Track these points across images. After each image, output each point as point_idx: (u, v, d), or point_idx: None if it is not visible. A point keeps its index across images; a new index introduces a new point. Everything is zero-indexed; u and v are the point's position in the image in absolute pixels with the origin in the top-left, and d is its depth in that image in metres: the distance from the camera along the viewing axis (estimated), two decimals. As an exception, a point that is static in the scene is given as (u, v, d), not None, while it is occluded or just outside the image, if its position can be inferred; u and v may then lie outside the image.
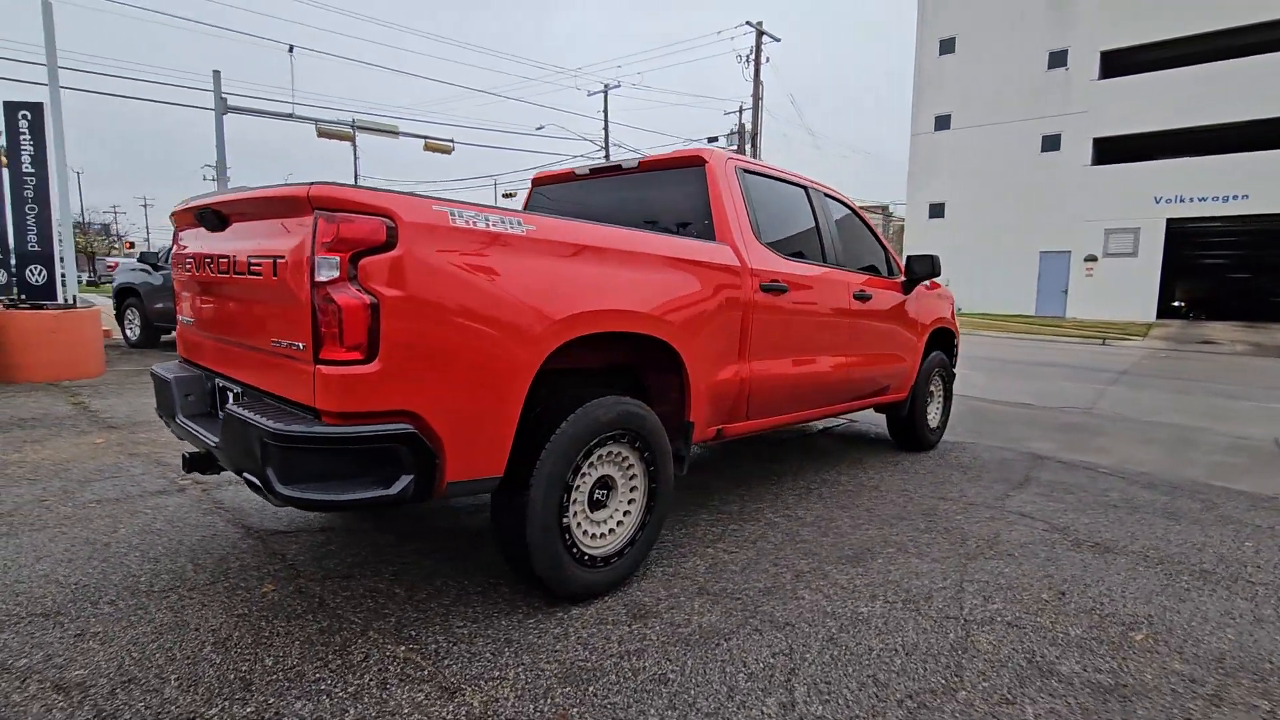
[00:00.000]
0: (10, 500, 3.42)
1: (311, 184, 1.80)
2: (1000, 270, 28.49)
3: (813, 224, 3.84)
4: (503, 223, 2.13)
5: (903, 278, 4.58)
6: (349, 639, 2.18)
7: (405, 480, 1.92)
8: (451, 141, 24.07)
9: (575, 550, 2.40)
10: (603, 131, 33.81)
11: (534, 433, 2.27)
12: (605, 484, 2.55)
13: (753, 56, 27.13)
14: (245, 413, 1.94)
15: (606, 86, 33.07)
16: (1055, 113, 27.19)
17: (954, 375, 5.56)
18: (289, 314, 1.92)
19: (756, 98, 27.45)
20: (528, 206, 4.12)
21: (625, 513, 2.63)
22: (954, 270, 29.42)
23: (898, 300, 4.50)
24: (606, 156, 33.57)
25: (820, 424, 6.09)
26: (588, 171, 3.77)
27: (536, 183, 4.07)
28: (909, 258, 4.53)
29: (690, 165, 3.29)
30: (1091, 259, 26.60)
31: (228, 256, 2.23)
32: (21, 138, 6.71)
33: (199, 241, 2.48)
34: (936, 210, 31.03)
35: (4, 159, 19.39)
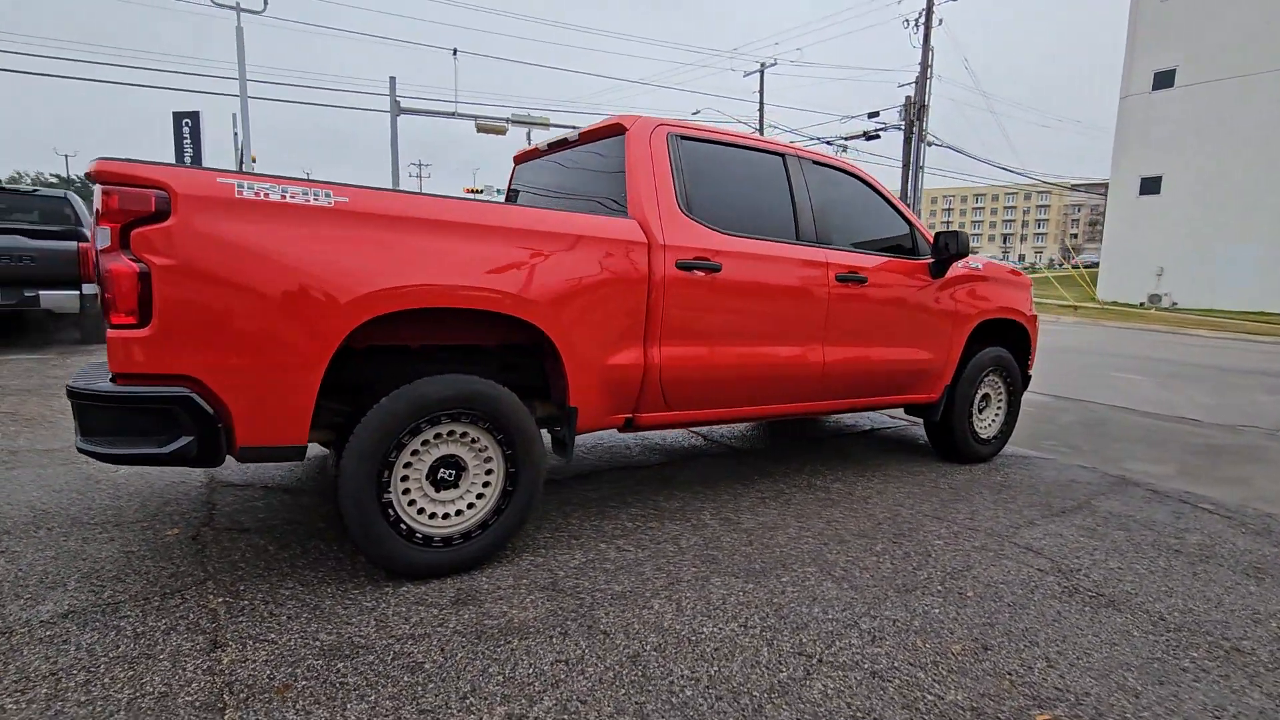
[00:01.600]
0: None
1: (97, 159, 1.94)
2: (1233, 257, 23.40)
3: (784, 196, 3.40)
4: (304, 194, 2.14)
5: (931, 259, 3.91)
6: (185, 585, 2.36)
7: (185, 440, 2.02)
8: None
9: (403, 527, 2.37)
10: (758, 113, 32.87)
11: (354, 406, 2.27)
12: (455, 464, 2.49)
13: (922, 20, 24.67)
14: (77, 375, 2.15)
15: (762, 66, 32.04)
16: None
17: (1028, 377, 4.68)
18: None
19: (925, 65, 24.96)
20: (510, 184, 4.12)
21: (479, 495, 2.55)
22: (1170, 257, 24.69)
23: (919, 284, 3.86)
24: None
25: (865, 423, 5.44)
26: (546, 147, 3.68)
27: (517, 160, 4.05)
28: (937, 234, 3.86)
29: (612, 135, 3.07)
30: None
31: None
32: (185, 141, 8.07)
33: None
34: (1150, 185, 26.22)
35: (254, 156, 22.85)
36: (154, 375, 1.99)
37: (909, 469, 4.20)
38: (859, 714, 1.84)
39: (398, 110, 20.58)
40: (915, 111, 25.56)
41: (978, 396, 4.35)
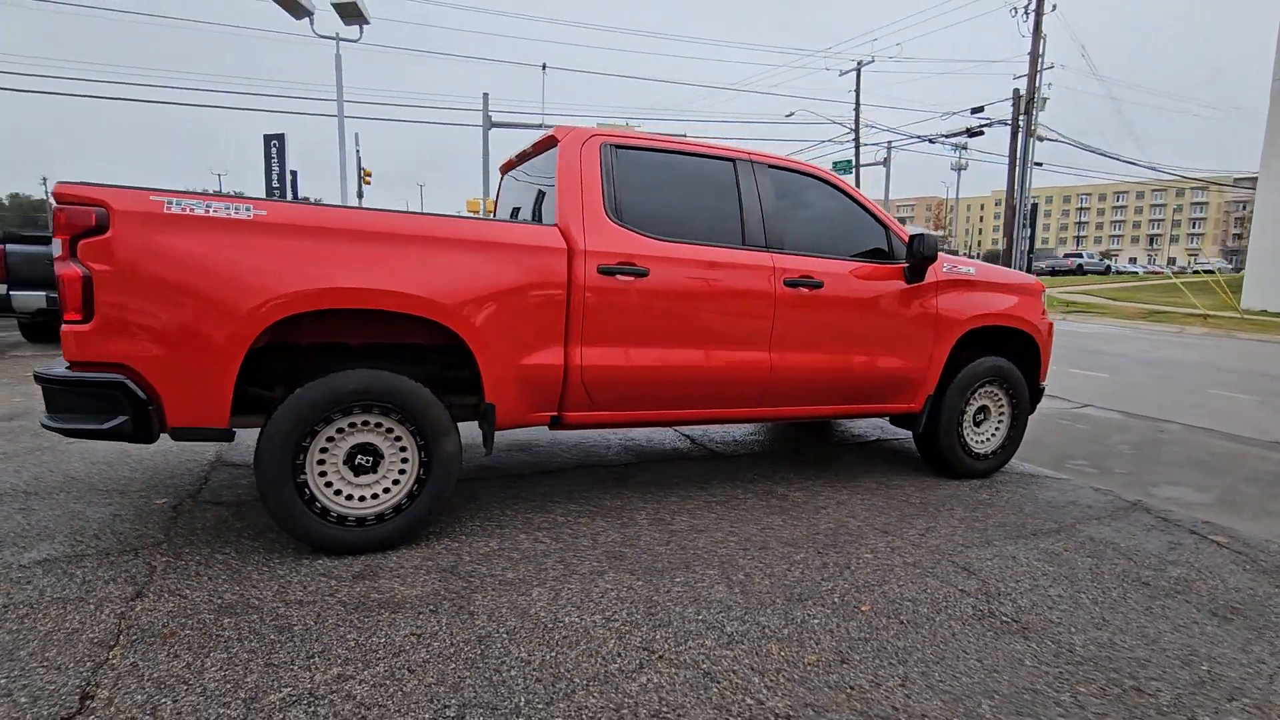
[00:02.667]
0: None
1: (57, 183, 2.33)
2: None
3: (731, 202, 3.40)
4: (226, 209, 2.45)
5: (905, 264, 3.74)
6: (144, 545, 2.74)
7: (121, 419, 2.37)
8: (684, 136, 24.96)
9: (317, 506, 2.63)
10: (854, 113, 31.81)
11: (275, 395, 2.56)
12: (373, 451, 2.73)
13: (1031, 7, 22.91)
14: (49, 364, 2.57)
15: (859, 64, 30.97)
16: None
17: (1039, 390, 4.34)
18: (65, 286, 2.50)
19: (1034, 55, 23.18)
20: (498, 191, 4.36)
21: (395, 481, 2.77)
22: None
23: (891, 290, 3.71)
24: (856, 139, 31.57)
25: (873, 432, 5.21)
26: (516, 157, 3.88)
27: (502, 170, 4.28)
28: (910, 236, 3.69)
29: (550, 147, 3.21)
30: None
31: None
32: (272, 160, 9.04)
33: None
34: (1314, 178, 22.78)
35: (367, 175, 25.01)
36: (96, 363, 2.36)
37: (890, 481, 4.03)
38: (666, 709, 1.87)
39: (489, 125, 21.74)
40: (1023, 105, 23.78)
41: (971, 408, 4.10)
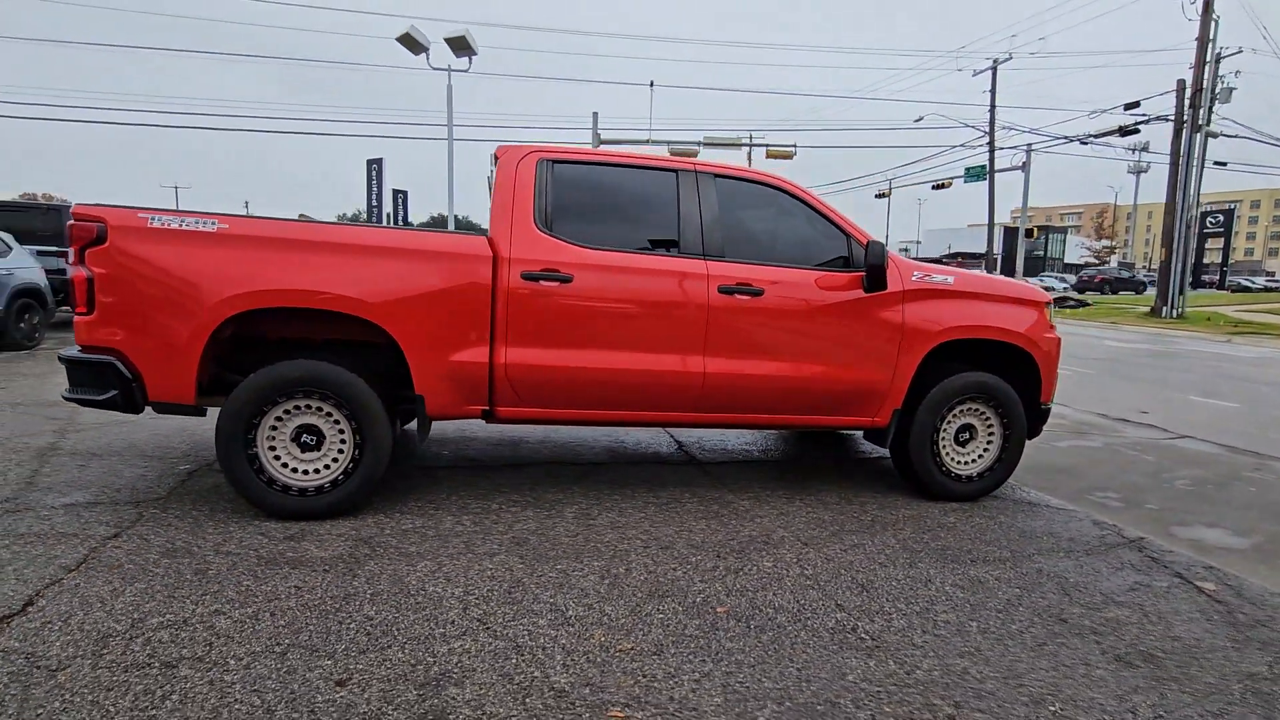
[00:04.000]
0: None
1: (75, 205, 2.96)
2: None
3: (670, 211, 3.49)
4: (196, 223, 2.96)
5: (864, 272, 3.61)
6: (145, 499, 3.33)
7: (112, 392, 2.95)
8: (793, 147, 24.66)
9: (265, 476, 3.08)
10: (988, 114, 29.59)
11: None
12: (315, 432, 3.14)
13: (1200, -13, 20.13)
14: (70, 348, 3.21)
15: (995, 62, 28.77)
16: None
17: (1042, 410, 3.98)
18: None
19: (1203, 41, 20.35)
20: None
21: (334, 459, 3.17)
22: None
23: (846, 298, 3.61)
24: (990, 143, 29.39)
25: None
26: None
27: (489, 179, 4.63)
28: (867, 244, 3.57)
29: (497, 160, 3.49)
30: None
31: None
32: (373, 181, 10.15)
33: None
34: None
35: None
36: (95, 347, 2.95)
37: (855, 497, 3.88)
38: (457, 670, 2.05)
39: (598, 142, 22.71)
40: (1190, 97, 20.92)
41: (951, 427, 3.84)
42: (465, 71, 15.25)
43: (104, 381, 2.96)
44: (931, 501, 3.86)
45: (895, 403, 3.74)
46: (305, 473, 3.15)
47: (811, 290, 3.58)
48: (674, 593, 2.63)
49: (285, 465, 3.13)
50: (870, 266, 3.48)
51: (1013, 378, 3.93)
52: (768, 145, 24.40)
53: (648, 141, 23.07)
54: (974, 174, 30.52)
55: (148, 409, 3.07)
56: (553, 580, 2.69)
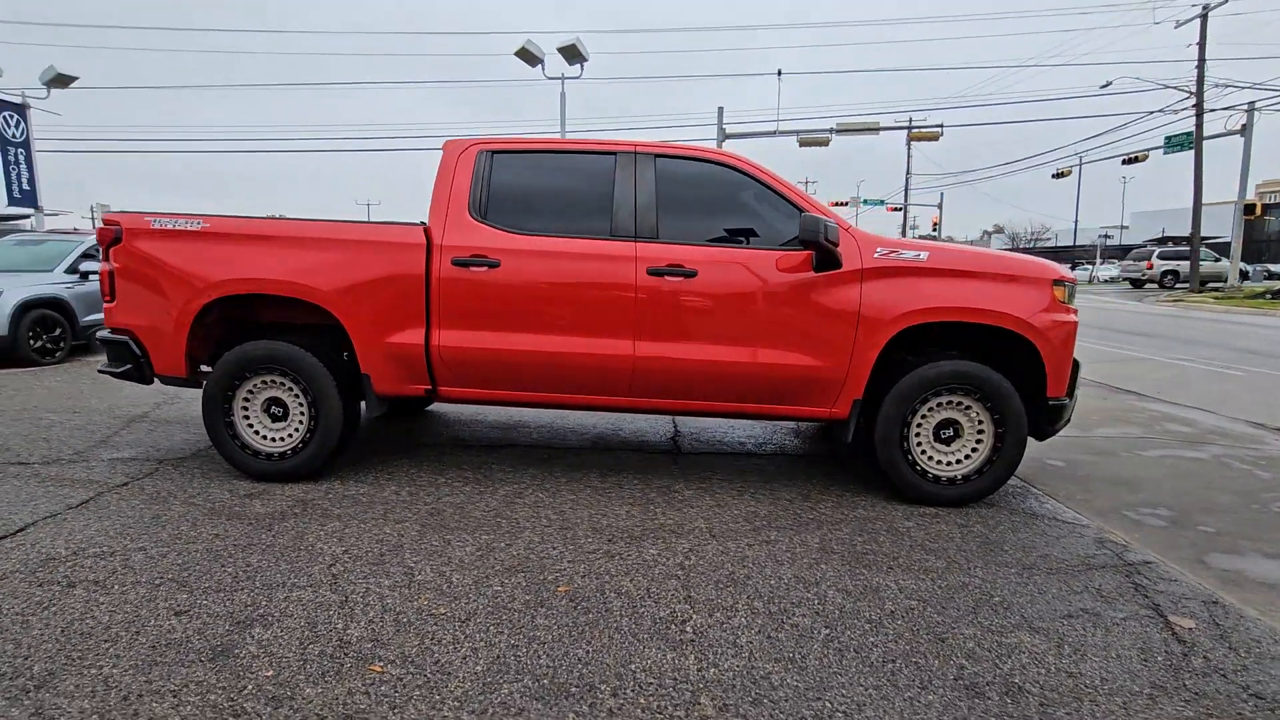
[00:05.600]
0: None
1: (115, 214, 3.60)
2: None
3: (605, 195, 3.46)
4: (185, 223, 3.48)
5: (814, 251, 3.30)
6: (170, 459, 3.96)
7: (128, 365, 3.56)
8: (940, 127, 22.76)
9: (239, 441, 3.54)
10: (1196, 70, 24.95)
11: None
12: (281, 404, 3.56)
13: None
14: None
15: (1205, 8, 24.13)
16: None
17: (1052, 406, 3.40)
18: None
19: None
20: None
21: (296, 429, 3.56)
22: None
23: (791, 279, 3.34)
24: (1198, 105, 24.90)
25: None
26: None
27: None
28: (801, 218, 3.25)
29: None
30: None
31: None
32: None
33: None
34: None
35: None
36: (117, 329, 3.58)
37: (814, 495, 3.57)
38: (274, 612, 2.26)
39: (723, 137, 22.49)
40: None
41: (929, 422, 3.41)
42: (578, 79, 15.99)
43: (123, 357, 3.59)
44: (910, 505, 3.45)
45: (855, 393, 3.40)
46: (273, 440, 3.58)
47: (754, 271, 3.37)
48: (531, 569, 2.65)
49: (258, 433, 3.58)
50: (804, 242, 3.20)
51: (1019, 369, 3.40)
52: (910, 126, 22.66)
53: (774, 133, 22.43)
54: (1176, 143, 25.91)
55: (157, 381, 3.68)
56: (431, 549, 2.82)
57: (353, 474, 3.75)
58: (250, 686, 1.90)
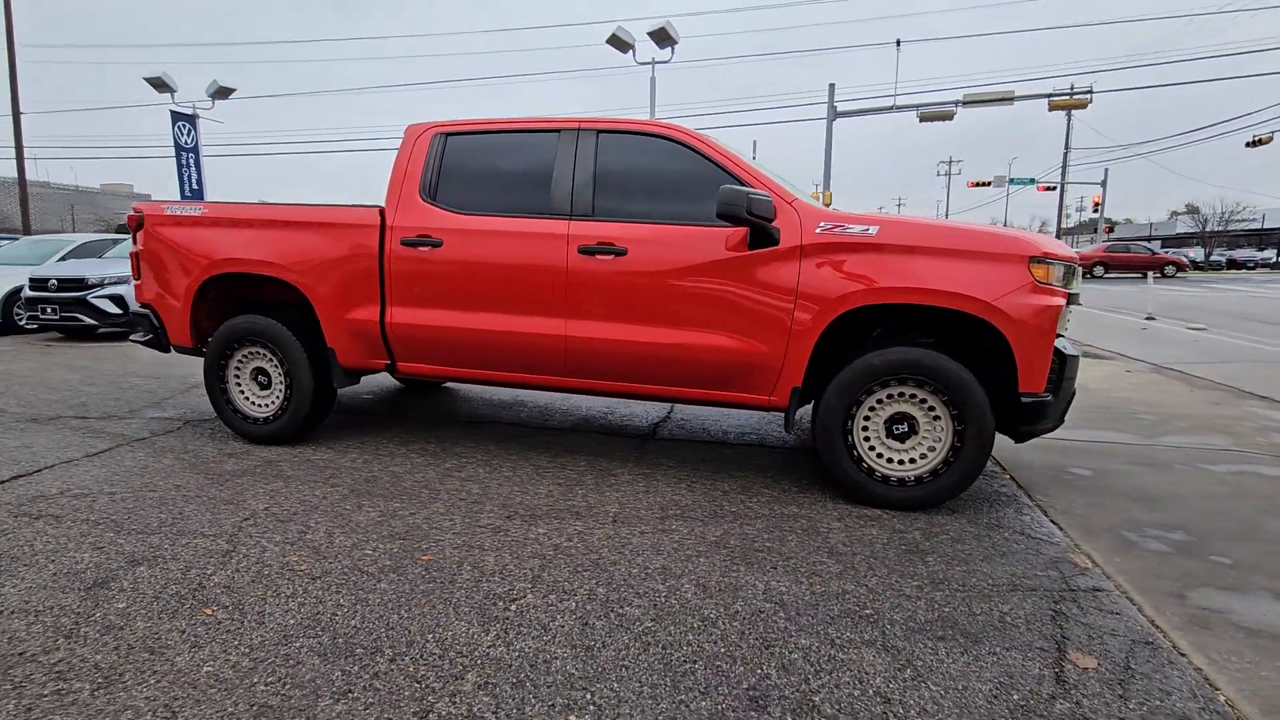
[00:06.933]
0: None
1: (140, 204, 4.12)
2: None
3: (545, 173, 3.43)
4: (188, 209, 3.90)
5: (746, 228, 3.07)
6: (197, 419, 4.47)
7: (150, 335, 4.07)
8: (1088, 93, 20.22)
9: (232, 406, 3.94)
10: None
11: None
12: (265, 374, 3.91)
13: None
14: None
15: None
16: None
17: (1029, 405, 2.95)
18: (161, 260, 4.31)
19: None
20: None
21: (277, 397, 3.89)
22: None
23: (724, 257, 3.13)
24: None
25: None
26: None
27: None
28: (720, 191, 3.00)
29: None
30: None
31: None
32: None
33: None
34: None
35: None
36: (142, 304, 4.10)
37: (753, 488, 3.35)
38: (168, 561, 2.51)
39: (834, 115, 21.35)
40: None
41: (878, 415, 3.07)
42: (667, 63, 15.85)
43: (145, 328, 4.12)
44: (855, 506, 3.16)
45: (793, 380, 3.15)
46: (259, 405, 3.95)
47: (686, 249, 3.21)
48: (414, 538, 2.73)
49: (248, 399, 3.97)
50: (722, 216, 2.98)
51: (1000, 362, 3.00)
52: (1050, 95, 20.25)
53: (891, 108, 20.93)
54: None
55: (173, 350, 4.18)
56: (340, 512, 2.99)
57: (329, 440, 4.05)
58: (99, 615, 2.13)
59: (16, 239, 12.46)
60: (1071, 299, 3.08)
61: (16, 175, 18.04)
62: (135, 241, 4.10)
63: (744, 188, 2.98)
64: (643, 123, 3.46)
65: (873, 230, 3.03)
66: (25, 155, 18.43)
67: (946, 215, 68.16)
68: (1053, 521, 3.06)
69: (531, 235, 3.40)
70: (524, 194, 3.51)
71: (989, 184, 42.51)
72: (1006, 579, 2.47)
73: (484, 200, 3.56)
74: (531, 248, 3.40)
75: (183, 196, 18.02)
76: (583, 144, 3.46)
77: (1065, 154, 46.57)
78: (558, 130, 3.53)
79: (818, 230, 3.08)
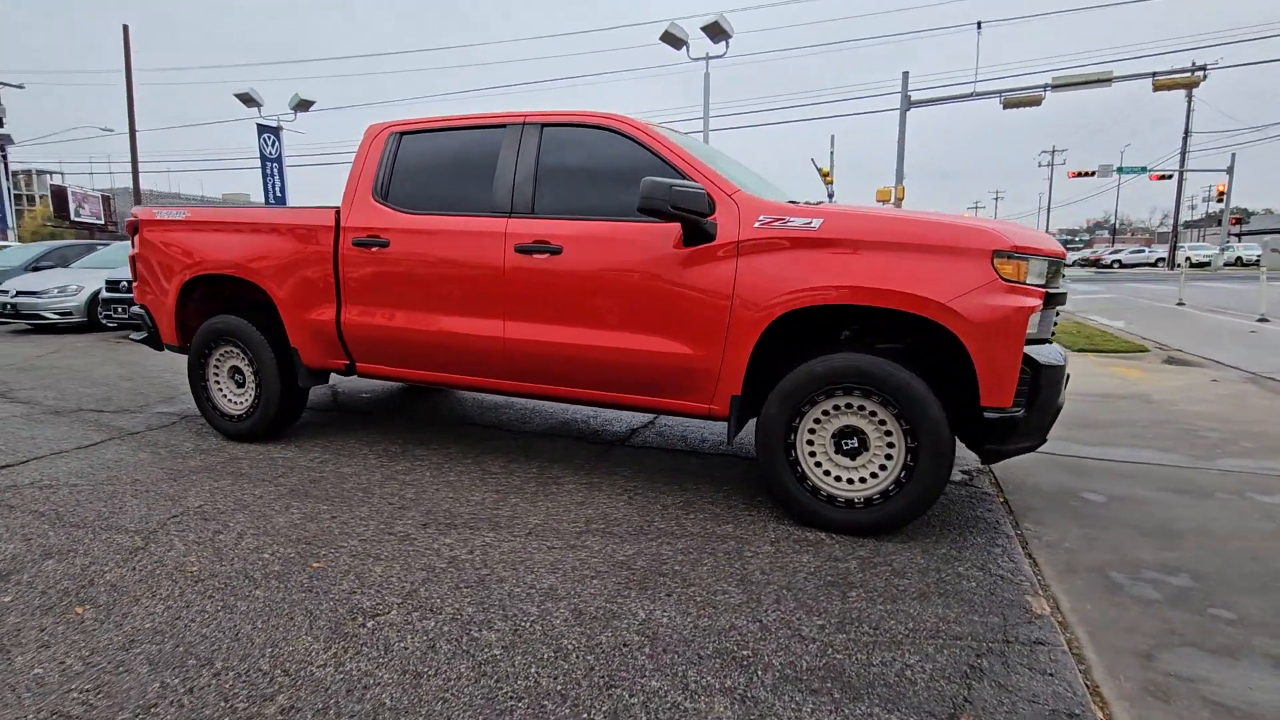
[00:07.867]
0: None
1: (137, 208, 4.34)
2: None
3: (487, 170, 3.31)
4: (173, 214, 4.06)
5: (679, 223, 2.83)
6: (188, 415, 4.67)
7: (145, 334, 4.28)
8: (1202, 71, 18.23)
9: (211, 404, 4.07)
10: None
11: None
12: (240, 373, 4.02)
13: None
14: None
15: None
16: None
17: (1001, 422, 2.56)
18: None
19: None
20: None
21: (249, 395, 3.99)
22: None
23: (659, 254, 2.91)
24: None
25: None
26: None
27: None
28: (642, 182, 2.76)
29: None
30: None
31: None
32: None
33: None
34: None
35: (827, 176, 27.48)
36: (139, 305, 4.31)
37: (698, 503, 3.10)
38: (79, 552, 2.58)
39: (908, 105, 20.22)
40: None
41: (824, 429, 2.76)
42: (721, 57, 15.43)
43: (141, 327, 4.33)
44: (804, 529, 2.86)
45: (732, 388, 2.88)
46: (234, 403, 4.06)
47: (621, 246, 3.01)
48: (316, 544, 2.68)
49: (226, 397, 4.09)
50: (643, 210, 2.75)
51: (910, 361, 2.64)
52: (1154, 75, 18.36)
53: (972, 95, 19.57)
54: None
55: (166, 349, 4.37)
56: (265, 513, 2.98)
57: (300, 439, 4.11)
58: (-16, 608, 2.20)
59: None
60: (1052, 300, 2.66)
61: (131, 186, 20.00)
62: (133, 245, 4.32)
63: (668, 179, 2.75)
64: (581, 114, 3.28)
65: (815, 224, 2.73)
66: (140, 170, 20.37)
67: (1048, 210, 63.51)
68: (1028, 555, 2.66)
69: (471, 234, 3.30)
70: (469, 192, 3.42)
71: (1093, 174, 39.13)
72: (932, 623, 2.14)
73: (432, 199, 3.49)
74: (471, 247, 3.30)
75: (266, 203, 19.37)
76: (526, 139, 3.32)
77: (1185, 138, 42.38)
78: (503, 125, 3.41)
79: (756, 224, 2.81)
